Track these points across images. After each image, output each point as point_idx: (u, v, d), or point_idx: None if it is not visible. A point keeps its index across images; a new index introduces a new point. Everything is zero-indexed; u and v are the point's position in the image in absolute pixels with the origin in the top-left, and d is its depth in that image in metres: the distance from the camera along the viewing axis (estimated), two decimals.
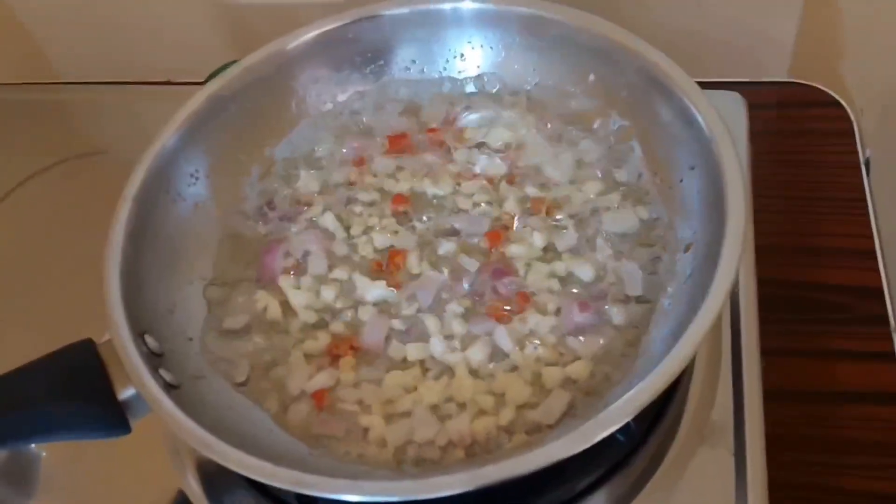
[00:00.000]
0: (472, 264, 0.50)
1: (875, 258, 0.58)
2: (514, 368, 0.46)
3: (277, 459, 0.40)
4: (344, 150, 0.57)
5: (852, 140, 0.65)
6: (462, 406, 0.45)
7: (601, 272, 0.49)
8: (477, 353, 0.47)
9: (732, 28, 0.73)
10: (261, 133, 0.57)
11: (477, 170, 0.55)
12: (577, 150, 0.55)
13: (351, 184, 0.56)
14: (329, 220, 0.54)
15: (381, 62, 0.59)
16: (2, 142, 0.77)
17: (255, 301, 0.51)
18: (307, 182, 0.56)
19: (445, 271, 0.50)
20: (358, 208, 0.54)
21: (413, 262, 0.51)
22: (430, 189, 0.55)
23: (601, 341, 0.46)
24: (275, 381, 0.48)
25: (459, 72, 0.59)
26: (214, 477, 0.49)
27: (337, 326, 0.49)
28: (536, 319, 0.47)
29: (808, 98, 0.69)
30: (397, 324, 0.49)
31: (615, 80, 0.53)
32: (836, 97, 0.68)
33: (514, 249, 0.50)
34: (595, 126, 0.55)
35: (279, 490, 0.46)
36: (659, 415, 0.47)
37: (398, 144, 0.57)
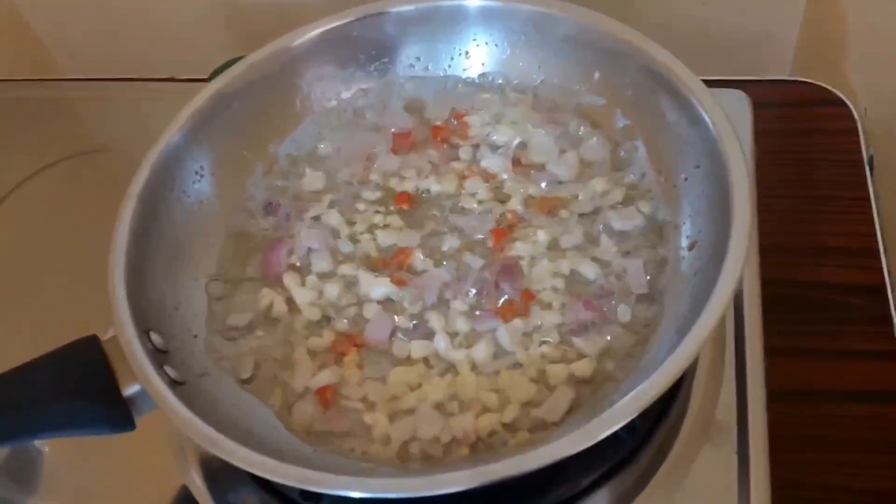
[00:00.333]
0: (476, 262, 0.50)
1: (878, 257, 0.58)
2: (519, 366, 0.46)
3: (281, 456, 0.40)
4: (348, 148, 0.57)
5: (856, 139, 0.65)
6: (466, 403, 0.45)
7: (606, 270, 0.49)
8: (481, 351, 0.47)
9: (737, 26, 0.73)
10: (265, 130, 0.57)
11: (482, 167, 0.55)
12: (582, 148, 0.55)
13: (355, 181, 0.56)
14: (333, 218, 0.54)
15: (386, 59, 0.59)
16: (6, 139, 0.77)
17: (260, 298, 0.51)
18: (312, 179, 0.56)
19: (450, 269, 0.50)
20: (362, 206, 0.55)
21: (417, 260, 0.51)
22: (435, 187, 0.55)
23: (606, 339, 0.46)
24: (279, 378, 0.48)
25: (464, 69, 0.59)
26: (218, 473, 0.49)
27: (341, 324, 0.49)
28: (541, 317, 0.47)
29: (813, 97, 0.69)
30: (401, 321, 0.49)
31: (620, 79, 0.53)
32: (841, 96, 0.68)
33: (518, 247, 0.50)
34: (600, 124, 0.55)
35: (283, 486, 0.46)
36: (663, 413, 0.47)
37: (403, 142, 0.57)
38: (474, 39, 0.58)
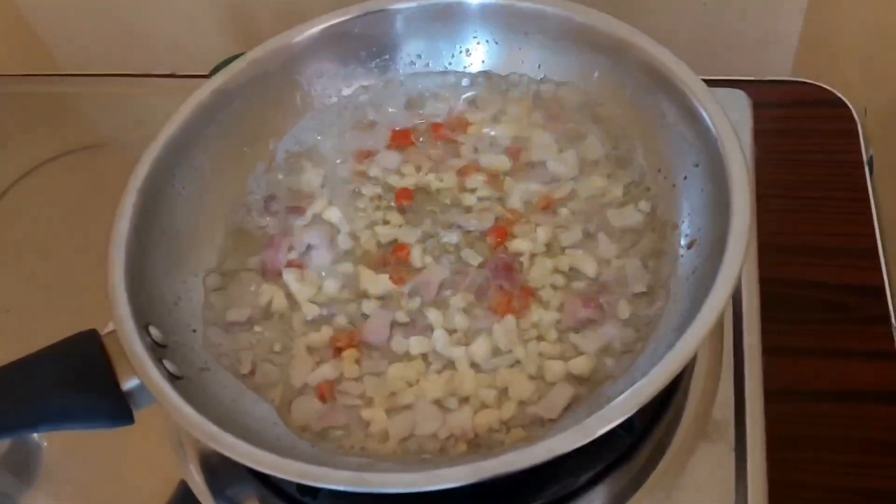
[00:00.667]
0: (475, 259, 0.50)
1: (877, 257, 0.58)
2: (517, 363, 0.46)
3: (280, 451, 0.40)
4: (349, 144, 0.58)
5: (856, 139, 0.65)
6: (464, 400, 0.45)
7: (604, 268, 0.49)
8: (480, 348, 0.47)
9: (738, 26, 0.73)
10: (266, 127, 0.57)
11: (481, 165, 0.55)
12: (582, 146, 0.55)
13: (355, 178, 0.56)
14: (333, 214, 0.54)
15: (387, 57, 0.59)
16: (5, 134, 0.77)
17: (260, 294, 0.51)
18: (312, 176, 0.56)
19: (449, 266, 0.51)
20: (362, 202, 0.55)
21: (416, 257, 0.51)
22: (435, 184, 0.55)
23: (604, 337, 0.46)
24: (278, 374, 0.48)
25: (465, 67, 0.59)
26: (217, 468, 0.49)
27: (340, 320, 0.49)
28: (539, 314, 0.47)
29: (812, 97, 0.69)
30: (400, 317, 0.49)
31: (620, 77, 0.53)
32: (840, 96, 0.68)
33: (517, 244, 0.51)
34: (600, 122, 0.55)
35: (280, 481, 0.46)
36: (661, 410, 0.47)
37: (403, 139, 0.57)
38: (475, 37, 0.58)
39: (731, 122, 0.46)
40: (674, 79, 0.49)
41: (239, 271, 0.52)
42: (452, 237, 0.52)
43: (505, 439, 0.44)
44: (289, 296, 0.51)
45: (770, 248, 0.56)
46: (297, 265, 0.52)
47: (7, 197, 0.71)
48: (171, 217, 0.51)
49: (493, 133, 0.57)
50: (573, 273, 0.49)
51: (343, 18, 0.57)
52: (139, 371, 0.42)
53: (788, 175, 0.63)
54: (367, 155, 0.57)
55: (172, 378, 0.43)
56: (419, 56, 0.59)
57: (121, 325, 0.43)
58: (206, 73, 0.59)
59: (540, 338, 0.47)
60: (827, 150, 0.65)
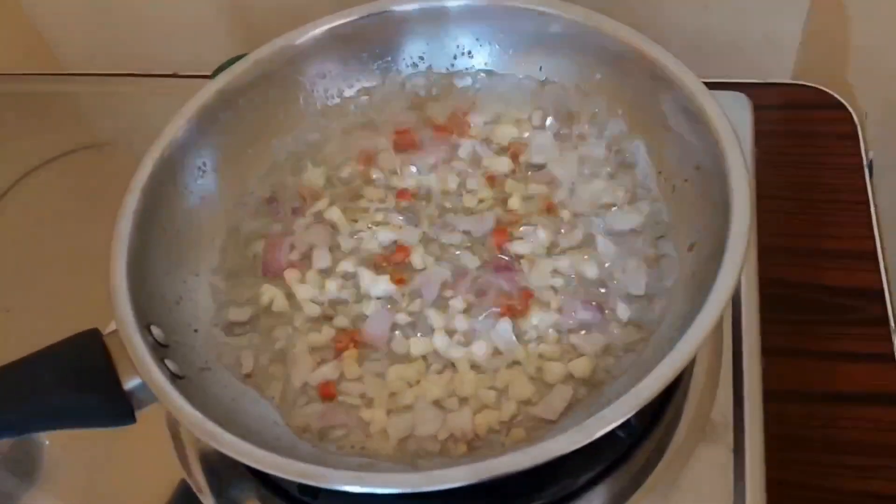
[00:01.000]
0: (475, 260, 0.51)
1: (876, 260, 0.58)
2: (517, 364, 0.46)
3: (281, 450, 0.40)
4: (350, 145, 0.58)
5: (856, 142, 0.65)
6: (464, 400, 0.46)
7: (605, 270, 0.49)
8: (480, 349, 0.47)
9: (739, 29, 0.73)
10: (268, 127, 0.57)
11: (483, 166, 0.55)
12: (583, 148, 0.55)
13: (357, 179, 0.56)
14: (335, 215, 0.54)
15: (389, 58, 0.59)
16: (8, 132, 0.77)
17: (261, 294, 0.51)
18: (313, 176, 0.56)
19: (449, 267, 0.51)
20: (363, 203, 0.55)
21: (417, 258, 0.51)
22: (436, 185, 0.55)
23: (604, 338, 0.46)
24: (279, 374, 0.48)
25: (466, 68, 0.59)
26: (217, 467, 0.49)
27: (341, 320, 0.50)
28: (540, 316, 0.48)
29: (813, 100, 0.69)
30: (401, 318, 0.49)
31: (621, 79, 0.54)
32: (841, 100, 0.68)
33: (518, 246, 0.51)
34: (601, 124, 0.55)
35: (281, 480, 0.47)
36: (660, 412, 0.48)
37: (404, 140, 0.57)
38: (477, 39, 0.58)
39: (731, 125, 0.46)
40: (675, 81, 0.49)
41: (240, 271, 0.53)
42: (453, 238, 0.52)
43: (505, 440, 0.44)
44: (290, 296, 0.51)
45: (770, 250, 0.56)
46: (299, 265, 0.52)
47: (9, 196, 0.71)
48: (173, 217, 0.51)
49: (494, 135, 0.57)
50: (573, 275, 0.49)
51: (345, 20, 0.57)
52: (141, 371, 0.42)
53: (789, 177, 0.64)
54: (368, 156, 0.57)
55: (174, 378, 0.43)
56: (421, 58, 0.59)
57: (122, 325, 0.44)
58: (208, 73, 0.59)
59: (540, 339, 0.47)
60: (827, 153, 0.65)
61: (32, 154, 0.73)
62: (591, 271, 0.49)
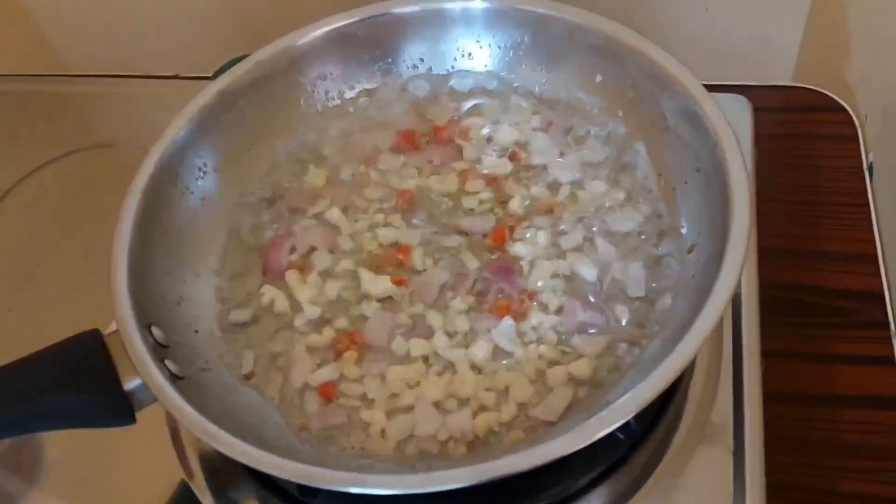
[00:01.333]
0: (476, 262, 0.51)
1: (877, 263, 0.58)
2: (517, 366, 0.46)
3: (281, 451, 0.40)
4: (351, 147, 0.58)
5: (856, 145, 0.66)
6: (464, 402, 0.46)
7: (605, 272, 0.49)
8: (480, 350, 0.47)
9: (739, 32, 0.73)
10: (269, 128, 0.57)
11: (483, 168, 0.56)
12: (583, 150, 0.55)
13: (357, 180, 0.56)
14: (335, 215, 0.54)
15: (390, 60, 0.59)
16: (9, 133, 0.77)
17: (261, 294, 0.51)
18: (314, 177, 0.57)
19: (449, 268, 0.51)
20: (364, 204, 0.55)
21: (417, 259, 0.51)
22: (436, 186, 0.55)
23: (604, 340, 0.46)
24: (279, 374, 0.48)
25: (467, 71, 0.59)
26: (217, 468, 0.49)
27: (341, 321, 0.50)
28: (540, 317, 0.48)
29: (813, 103, 0.69)
30: (401, 319, 0.49)
31: (622, 82, 0.54)
32: (841, 102, 0.69)
33: (518, 248, 0.51)
34: (601, 127, 0.55)
35: (281, 481, 0.47)
36: (660, 413, 0.48)
37: (405, 142, 0.57)
38: (477, 41, 0.59)
39: (731, 127, 0.46)
40: (675, 83, 0.50)
41: (241, 272, 0.53)
42: (453, 240, 0.52)
43: (504, 441, 0.44)
44: (290, 296, 0.51)
45: (770, 252, 0.56)
46: (299, 266, 0.52)
47: (10, 196, 0.71)
48: (174, 217, 0.52)
49: (494, 136, 0.57)
50: (574, 276, 0.49)
51: (347, 22, 0.57)
52: (141, 371, 0.42)
53: (789, 180, 0.64)
54: (369, 157, 0.57)
55: (174, 378, 0.43)
56: (422, 59, 0.59)
57: (123, 325, 0.44)
58: (209, 74, 0.59)
59: (540, 340, 0.47)
60: (827, 156, 0.65)
61: (34, 155, 0.74)
62: (590, 273, 0.49)
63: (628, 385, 0.40)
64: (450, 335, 0.48)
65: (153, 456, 0.51)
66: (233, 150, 0.55)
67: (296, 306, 0.51)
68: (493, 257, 0.51)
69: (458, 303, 0.49)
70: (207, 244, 0.53)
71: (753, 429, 0.47)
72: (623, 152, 0.54)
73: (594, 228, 0.51)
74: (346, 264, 0.52)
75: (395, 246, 0.52)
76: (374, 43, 0.58)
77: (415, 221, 0.54)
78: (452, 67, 0.60)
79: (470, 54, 0.59)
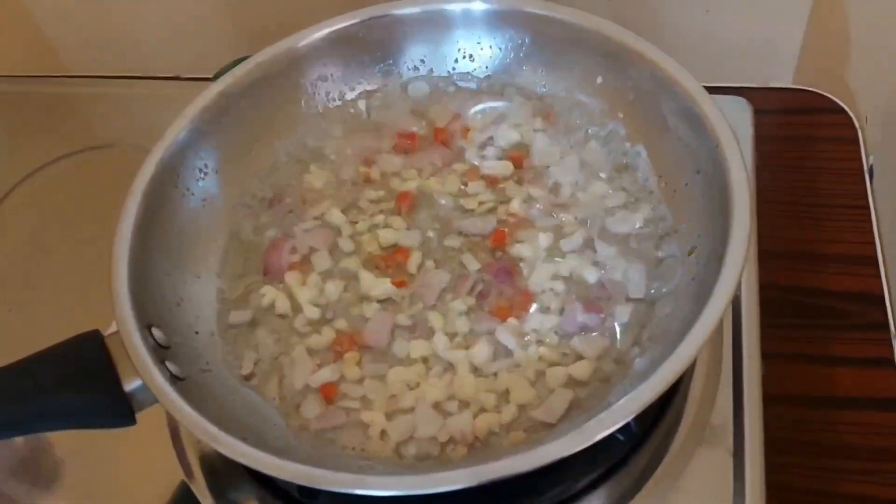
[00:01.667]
0: (476, 263, 0.51)
1: (877, 265, 0.58)
2: (517, 367, 0.46)
3: (281, 452, 0.40)
4: (351, 148, 0.58)
5: (856, 147, 0.66)
6: (464, 403, 0.46)
7: (605, 273, 0.49)
8: (480, 352, 0.47)
9: (740, 34, 0.73)
10: (269, 129, 0.57)
11: (483, 170, 0.56)
12: (584, 151, 0.55)
13: (358, 181, 0.56)
14: (335, 217, 0.54)
15: (391, 61, 0.59)
16: (11, 134, 0.77)
17: (262, 296, 0.51)
18: (315, 179, 0.57)
19: (450, 269, 0.51)
20: (364, 205, 0.55)
21: (418, 260, 0.51)
22: (437, 188, 0.55)
23: (604, 342, 0.46)
24: (279, 375, 0.48)
25: (468, 72, 0.59)
26: (218, 469, 0.49)
27: (341, 322, 0.50)
28: (540, 319, 0.48)
29: (814, 105, 0.70)
30: (401, 320, 0.49)
31: (623, 83, 0.54)
32: (841, 104, 0.69)
33: (518, 249, 0.51)
34: (602, 128, 0.55)
35: (281, 482, 0.47)
36: (660, 415, 0.48)
37: (405, 143, 0.58)
38: (478, 42, 0.59)
39: (732, 129, 0.47)
40: (675, 85, 0.50)
41: (241, 273, 0.53)
42: (454, 241, 0.52)
43: (504, 443, 0.44)
44: (290, 298, 0.51)
45: (770, 254, 0.56)
46: (300, 267, 0.52)
47: (12, 197, 0.71)
48: (175, 218, 0.52)
49: (495, 138, 0.57)
50: (574, 278, 0.49)
51: (347, 23, 0.57)
52: (142, 372, 0.42)
53: (789, 182, 0.64)
54: (370, 158, 0.57)
55: (174, 379, 0.43)
56: (423, 61, 0.59)
57: (123, 326, 0.44)
58: (210, 75, 0.59)
59: (540, 342, 0.47)
60: (828, 158, 0.65)
61: (35, 155, 0.74)
62: (591, 274, 0.49)
63: (628, 387, 0.40)
64: (450, 336, 0.48)
65: (153, 457, 0.51)
66: (233, 151, 0.55)
67: (296, 307, 0.51)
68: (493, 259, 0.51)
69: (459, 304, 0.49)
70: (208, 245, 0.53)
71: (753, 430, 0.47)
72: (624, 154, 0.54)
73: (594, 230, 0.51)
74: (346, 265, 0.52)
75: (396, 247, 0.52)
76: (375, 44, 0.58)
77: (415, 223, 0.54)
78: (453, 69, 0.60)
79: (471, 56, 0.59)
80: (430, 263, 0.51)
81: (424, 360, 0.48)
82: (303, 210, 0.55)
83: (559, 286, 0.49)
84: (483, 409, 0.45)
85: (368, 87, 0.60)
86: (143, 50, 0.87)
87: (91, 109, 0.80)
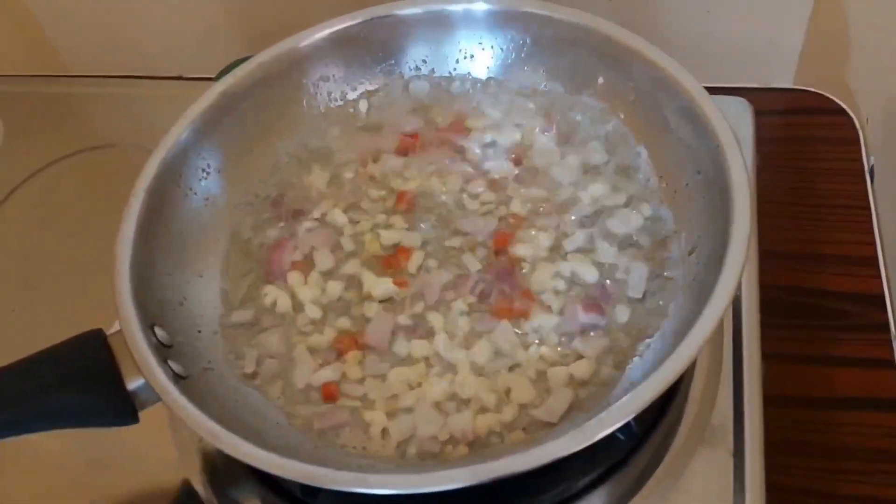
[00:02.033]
0: (477, 263, 0.51)
1: (877, 265, 0.58)
2: (518, 367, 0.47)
3: (283, 451, 0.40)
4: (353, 148, 0.58)
5: (857, 148, 0.66)
6: (465, 403, 0.46)
7: (606, 273, 0.49)
8: (481, 351, 0.47)
9: (741, 35, 0.73)
10: (272, 129, 0.57)
11: (484, 170, 0.56)
12: (585, 152, 0.55)
13: (359, 181, 0.57)
14: (337, 216, 0.54)
15: (393, 61, 0.59)
16: (13, 134, 0.77)
17: (264, 295, 0.51)
18: (316, 178, 0.57)
19: (451, 269, 0.51)
20: (366, 205, 0.55)
21: (419, 260, 0.51)
22: (438, 188, 0.55)
23: (605, 341, 0.46)
24: (281, 375, 0.48)
25: (469, 72, 0.60)
26: (220, 467, 0.49)
27: (343, 322, 0.50)
28: (541, 319, 0.48)
29: (814, 105, 0.70)
30: (402, 320, 0.49)
31: (624, 84, 0.54)
32: (842, 105, 0.69)
33: (519, 249, 0.51)
34: (603, 128, 0.55)
35: (283, 480, 0.47)
36: (660, 415, 0.48)
37: (407, 143, 0.58)
38: (480, 43, 0.59)
39: (732, 130, 0.47)
40: (676, 86, 0.50)
41: (243, 272, 0.53)
42: (455, 241, 0.52)
43: (505, 442, 0.44)
44: (292, 297, 0.51)
45: (770, 255, 0.56)
46: (301, 267, 0.52)
47: (14, 196, 0.71)
48: (177, 218, 0.52)
49: (496, 138, 0.57)
50: (574, 278, 0.50)
51: (349, 23, 0.57)
52: (145, 371, 0.42)
53: (790, 183, 0.64)
54: (371, 158, 0.57)
55: (177, 378, 0.43)
56: (424, 61, 0.60)
57: (126, 325, 0.44)
58: (212, 75, 0.59)
59: (541, 342, 0.47)
60: (828, 159, 0.66)
61: (37, 155, 0.74)
62: (591, 274, 0.49)
63: (628, 386, 0.40)
64: (451, 336, 0.48)
65: (156, 455, 0.51)
66: (235, 152, 0.55)
67: (298, 307, 0.51)
68: (494, 259, 0.51)
69: (460, 304, 0.49)
70: (210, 245, 0.53)
71: (753, 431, 0.47)
72: (624, 154, 0.54)
73: (595, 230, 0.51)
74: (348, 265, 0.52)
75: (397, 247, 0.52)
76: (377, 44, 0.59)
77: (417, 223, 0.54)
78: (455, 69, 0.60)
79: (472, 56, 0.59)
80: (431, 263, 0.51)
81: (425, 359, 0.48)
82: (305, 210, 0.55)
83: (560, 286, 0.49)
84: (484, 409, 0.45)
85: (370, 88, 0.60)
86: (144, 50, 0.87)
87: (93, 109, 0.80)
